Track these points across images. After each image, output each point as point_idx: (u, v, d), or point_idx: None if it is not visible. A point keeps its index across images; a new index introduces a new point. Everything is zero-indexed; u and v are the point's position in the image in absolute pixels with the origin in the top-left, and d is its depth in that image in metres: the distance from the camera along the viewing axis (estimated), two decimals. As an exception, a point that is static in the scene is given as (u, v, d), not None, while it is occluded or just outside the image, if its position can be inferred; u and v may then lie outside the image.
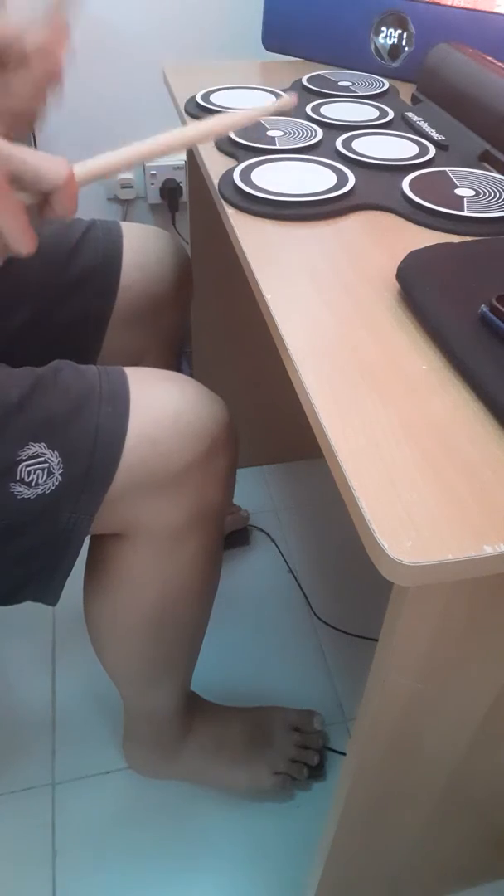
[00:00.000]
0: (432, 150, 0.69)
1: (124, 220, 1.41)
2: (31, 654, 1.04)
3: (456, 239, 0.55)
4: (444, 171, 0.65)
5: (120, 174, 1.37)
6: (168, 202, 1.42)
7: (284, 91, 0.84)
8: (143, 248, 0.78)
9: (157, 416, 0.55)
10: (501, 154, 0.66)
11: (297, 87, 0.87)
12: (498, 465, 0.36)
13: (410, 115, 0.77)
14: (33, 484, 0.52)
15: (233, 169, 0.64)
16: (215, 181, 0.64)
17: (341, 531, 1.23)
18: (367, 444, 0.37)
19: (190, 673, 0.80)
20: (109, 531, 0.60)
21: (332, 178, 0.63)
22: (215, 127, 0.50)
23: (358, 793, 0.56)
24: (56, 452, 0.52)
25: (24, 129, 0.46)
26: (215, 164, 0.67)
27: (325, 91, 0.85)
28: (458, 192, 0.62)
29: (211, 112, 0.78)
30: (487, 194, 0.61)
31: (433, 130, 0.73)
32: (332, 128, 0.75)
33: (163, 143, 0.47)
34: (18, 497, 0.52)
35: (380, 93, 0.86)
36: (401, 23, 0.87)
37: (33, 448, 0.52)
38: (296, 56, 0.99)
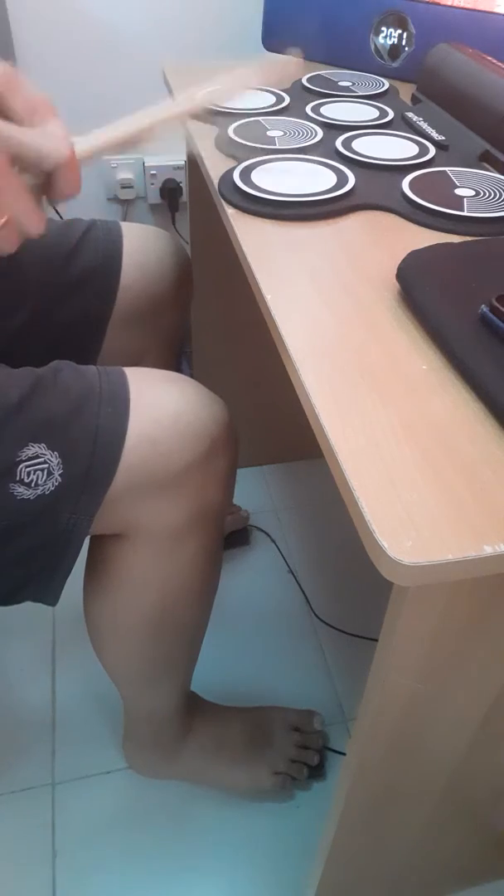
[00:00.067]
0: (432, 150, 0.69)
1: (124, 220, 1.41)
2: (31, 654, 1.04)
3: (456, 239, 0.55)
4: (444, 171, 0.65)
5: (120, 176, 1.37)
6: (168, 202, 1.42)
7: (284, 91, 0.84)
8: (143, 248, 0.78)
9: (156, 416, 0.55)
10: (501, 154, 0.66)
11: (297, 87, 0.87)
12: (498, 465, 0.36)
13: (410, 115, 0.77)
14: (33, 484, 0.52)
15: (233, 169, 0.64)
16: (215, 181, 0.64)
17: (341, 531, 1.23)
18: (367, 444, 0.37)
19: (190, 673, 0.80)
20: (109, 531, 0.60)
21: (332, 178, 0.63)
22: (213, 96, 0.49)
23: (358, 793, 0.56)
24: (56, 453, 0.52)
25: None
26: (215, 164, 0.67)
27: (325, 91, 0.85)
28: (458, 192, 0.62)
29: (210, 111, 0.78)
30: (487, 194, 0.61)
31: (433, 130, 0.73)
32: (332, 128, 0.75)
33: (162, 114, 0.47)
34: (18, 498, 0.52)
35: (380, 93, 0.86)
36: (401, 23, 0.87)
37: (33, 449, 0.52)
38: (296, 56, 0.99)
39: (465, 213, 0.58)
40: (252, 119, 0.76)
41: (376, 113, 0.79)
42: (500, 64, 0.72)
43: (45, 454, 0.52)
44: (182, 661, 0.76)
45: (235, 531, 1.21)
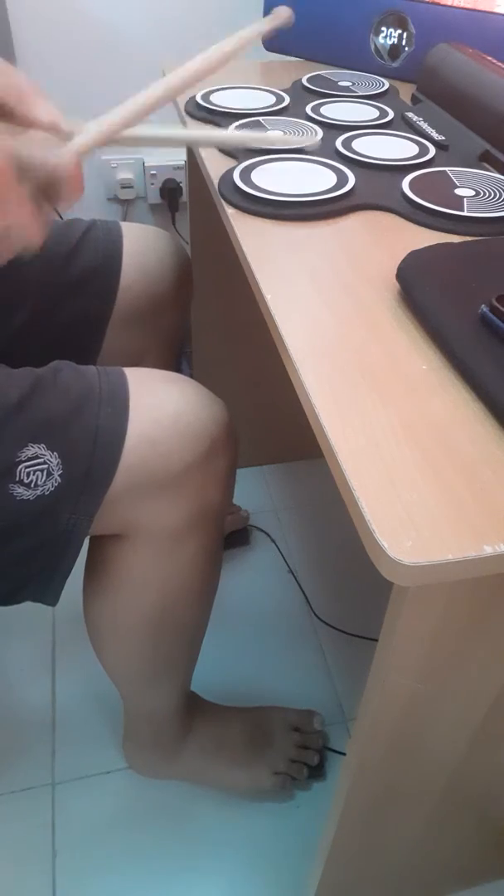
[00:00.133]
0: (432, 150, 0.69)
1: (124, 220, 1.41)
2: (31, 654, 1.04)
3: (456, 239, 0.55)
4: (444, 171, 0.65)
5: (120, 176, 1.37)
6: (168, 202, 1.42)
7: (284, 91, 0.84)
8: (143, 248, 0.78)
9: (156, 416, 0.55)
10: (501, 154, 0.66)
11: (297, 87, 0.87)
12: (498, 465, 0.36)
13: (410, 115, 0.77)
14: (33, 485, 0.52)
15: (233, 169, 0.64)
16: (215, 181, 0.64)
17: (341, 531, 1.23)
18: (367, 444, 0.37)
19: (190, 673, 0.80)
20: (109, 532, 0.60)
21: (332, 178, 0.63)
22: (214, 59, 0.50)
23: (358, 793, 0.56)
24: (55, 453, 0.52)
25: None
26: (215, 164, 0.67)
27: (325, 91, 0.85)
28: (458, 192, 0.62)
29: (211, 112, 0.78)
30: (487, 194, 0.61)
31: (433, 130, 0.73)
32: (332, 128, 0.75)
33: (167, 88, 0.47)
34: (18, 498, 0.52)
35: (380, 93, 0.86)
36: (401, 23, 0.87)
37: (33, 449, 0.52)
38: (296, 56, 0.99)
39: (465, 213, 0.58)
40: (252, 119, 0.76)
41: (376, 113, 0.79)
42: (500, 64, 0.72)
43: (44, 454, 0.52)
44: (182, 661, 0.76)
45: (235, 531, 1.21)
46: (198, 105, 0.79)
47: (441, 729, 0.52)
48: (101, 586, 0.66)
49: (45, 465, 0.52)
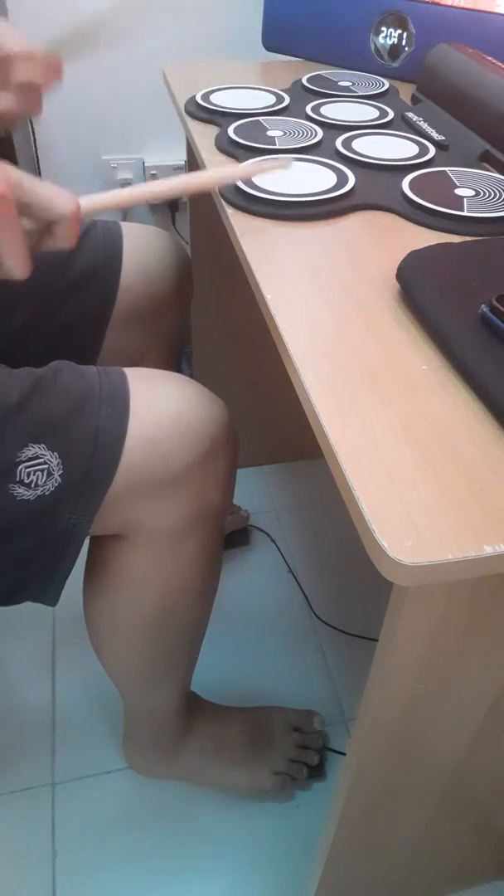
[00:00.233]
0: (432, 150, 0.69)
1: (124, 220, 1.41)
2: (31, 654, 1.04)
3: (456, 239, 0.55)
4: (444, 171, 0.65)
5: (120, 176, 1.37)
6: (168, 202, 1.42)
7: (284, 91, 0.84)
8: (143, 248, 0.78)
9: (157, 416, 0.55)
10: (501, 154, 0.66)
11: (297, 87, 0.87)
12: (498, 465, 0.36)
13: (410, 115, 0.77)
14: (33, 485, 0.52)
15: (233, 169, 0.64)
16: (215, 181, 0.64)
17: (341, 531, 1.23)
18: (367, 444, 0.37)
19: (190, 673, 0.80)
20: (109, 532, 0.60)
21: (332, 178, 0.63)
22: (220, 176, 0.54)
23: (358, 793, 0.56)
24: (56, 453, 0.52)
25: None
26: (215, 164, 0.67)
27: (325, 91, 0.85)
28: (458, 192, 0.62)
29: (211, 112, 0.78)
30: (487, 194, 0.61)
31: (433, 130, 0.73)
32: (332, 128, 0.75)
33: (167, 188, 0.49)
34: (18, 498, 0.52)
35: (380, 93, 0.86)
36: (401, 23, 0.87)
37: (33, 449, 0.52)
38: (296, 56, 0.99)
39: (465, 213, 0.58)
40: (252, 119, 0.76)
41: (376, 113, 0.79)
42: (500, 64, 0.72)
43: (44, 455, 0.52)
44: (182, 660, 0.76)
45: (235, 531, 1.21)
46: (198, 105, 0.79)
47: (441, 729, 0.52)
48: (102, 586, 0.66)
49: (46, 466, 0.52)
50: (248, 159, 0.66)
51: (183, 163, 1.37)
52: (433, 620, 0.41)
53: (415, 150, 0.70)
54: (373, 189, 0.62)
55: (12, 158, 1.22)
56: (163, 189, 0.49)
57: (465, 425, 0.39)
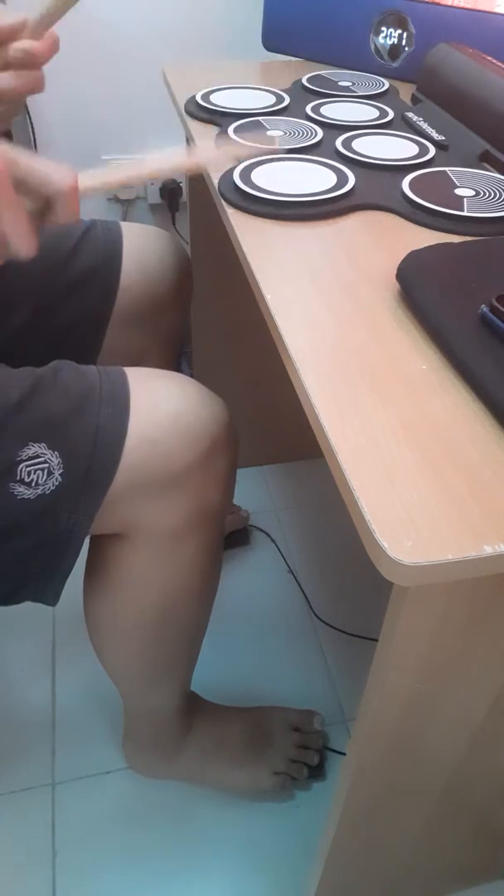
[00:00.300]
0: (432, 150, 0.69)
1: (124, 220, 1.41)
2: (31, 654, 1.04)
3: (456, 239, 0.55)
4: (444, 171, 0.65)
5: (122, 183, 1.37)
6: (168, 202, 1.42)
7: (284, 91, 0.84)
8: (143, 248, 0.78)
9: (157, 416, 0.55)
10: (501, 154, 0.66)
11: (297, 87, 0.87)
12: (498, 465, 0.36)
13: (410, 115, 0.77)
14: (33, 484, 0.52)
15: (233, 169, 0.64)
16: (215, 181, 0.64)
17: (341, 531, 1.23)
18: (367, 444, 0.37)
19: (190, 673, 0.80)
20: (109, 531, 0.60)
21: (332, 178, 0.63)
22: (224, 155, 0.51)
23: (358, 793, 0.56)
24: (56, 453, 0.52)
25: None
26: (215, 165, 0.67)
27: (325, 91, 0.85)
28: (458, 192, 0.62)
29: (211, 112, 0.78)
30: (487, 194, 0.61)
31: (433, 130, 0.73)
32: (332, 128, 0.75)
33: (166, 165, 0.48)
34: (18, 497, 0.52)
35: (380, 93, 0.86)
36: (401, 23, 0.87)
37: (33, 448, 0.52)
38: (296, 56, 0.99)
39: (465, 213, 0.58)
40: (252, 119, 0.76)
41: (376, 113, 0.79)
42: (500, 64, 0.72)
43: (45, 454, 0.52)
44: (182, 660, 0.76)
45: (235, 531, 1.21)
46: (198, 105, 0.79)
47: (441, 729, 0.52)
48: (102, 586, 0.66)
49: (46, 465, 0.52)
50: (248, 159, 0.66)
51: (183, 163, 1.37)
52: (433, 620, 0.41)
53: (415, 150, 0.70)
54: (373, 189, 0.62)
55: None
56: (161, 166, 0.48)
57: (465, 425, 0.39)
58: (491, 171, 0.66)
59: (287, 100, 0.81)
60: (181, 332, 0.89)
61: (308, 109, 0.79)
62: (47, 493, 0.52)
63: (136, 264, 0.76)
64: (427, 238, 0.56)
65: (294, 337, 0.45)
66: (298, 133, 0.73)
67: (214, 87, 0.84)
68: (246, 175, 0.63)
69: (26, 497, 0.52)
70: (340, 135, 0.72)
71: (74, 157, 1.38)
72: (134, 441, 0.54)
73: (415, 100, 0.82)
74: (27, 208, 0.43)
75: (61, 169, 0.43)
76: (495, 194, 0.61)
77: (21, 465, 0.51)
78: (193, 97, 0.81)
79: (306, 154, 0.68)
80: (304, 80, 0.88)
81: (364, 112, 0.79)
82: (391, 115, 0.78)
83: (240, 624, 1.08)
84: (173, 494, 0.57)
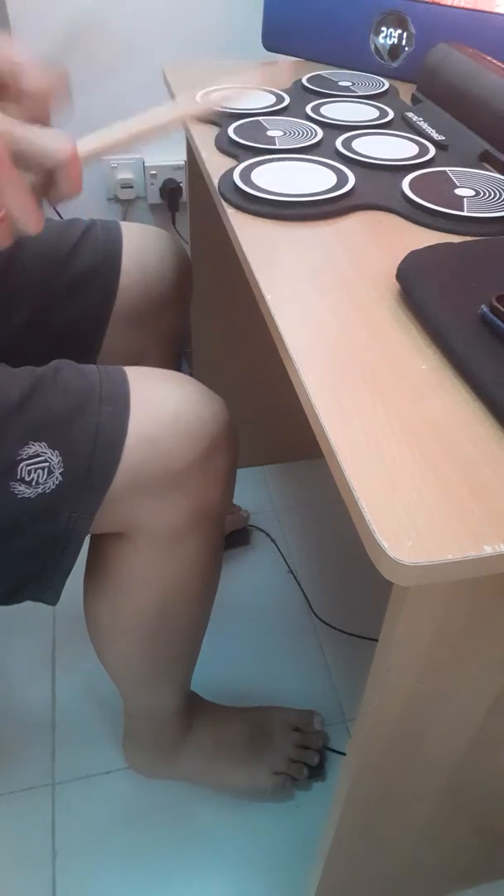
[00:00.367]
0: (432, 150, 0.69)
1: (124, 220, 1.41)
2: (31, 654, 1.04)
3: (456, 239, 0.55)
4: (444, 171, 0.65)
5: (120, 176, 1.37)
6: (168, 202, 1.42)
7: (284, 91, 0.84)
8: (142, 247, 0.78)
9: (157, 415, 0.55)
10: (501, 154, 0.66)
11: (297, 87, 0.87)
12: (498, 465, 0.36)
13: (410, 115, 0.77)
14: (34, 483, 0.52)
15: (233, 169, 0.64)
16: (215, 181, 0.64)
17: (341, 531, 1.23)
18: (367, 444, 0.37)
19: (190, 673, 0.80)
20: (110, 531, 0.60)
21: (332, 178, 0.63)
22: (215, 97, 0.50)
23: (358, 793, 0.56)
24: (56, 452, 0.52)
25: None
26: (215, 164, 0.67)
27: (325, 91, 0.85)
28: (458, 192, 0.62)
29: (212, 114, 0.78)
30: (487, 194, 0.61)
31: (433, 130, 0.73)
32: (332, 128, 0.75)
33: (164, 117, 0.47)
34: (19, 496, 0.52)
35: (380, 93, 0.86)
36: (401, 23, 0.87)
37: (34, 447, 0.52)
38: (296, 56, 0.99)
39: (465, 213, 0.58)
40: (252, 119, 0.76)
41: (376, 113, 0.79)
42: (500, 64, 0.72)
43: (45, 453, 0.52)
44: (182, 660, 0.76)
45: (235, 531, 1.21)
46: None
47: (441, 729, 0.52)
48: (102, 585, 0.66)
49: (47, 464, 0.52)
50: (248, 160, 0.66)
51: (183, 163, 1.37)
52: (433, 620, 0.41)
53: (415, 150, 0.70)
54: (373, 189, 0.62)
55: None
56: (158, 121, 0.47)
57: (465, 425, 0.39)
58: (491, 171, 0.66)
59: (287, 100, 0.81)
60: (181, 331, 0.89)
61: (308, 109, 0.79)
62: (48, 492, 0.52)
63: (136, 264, 0.76)
64: (427, 238, 0.56)
65: (294, 337, 0.45)
66: (298, 133, 0.73)
67: (214, 88, 0.84)
68: (246, 175, 0.63)
69: (27, 496, 0.52)
70: (340, 135, 0.72)
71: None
72: (134, 440, 0.54)
73: (415, 100, 0.82)
74: (29, 182, 0.42)
75: (59, 138, 0.42)
76: (495, 194, 0.61)
77: (21, 465, 0.52)
78: (193, 97, 0.81)
79: (306, 154, 0.68)
80: (304, 80, 0.88)
81: (364, 112, 0.79)
82: (391, 115, 0.78)
83: (240, 624, 1.08)
84: (173, 493, 0.57)
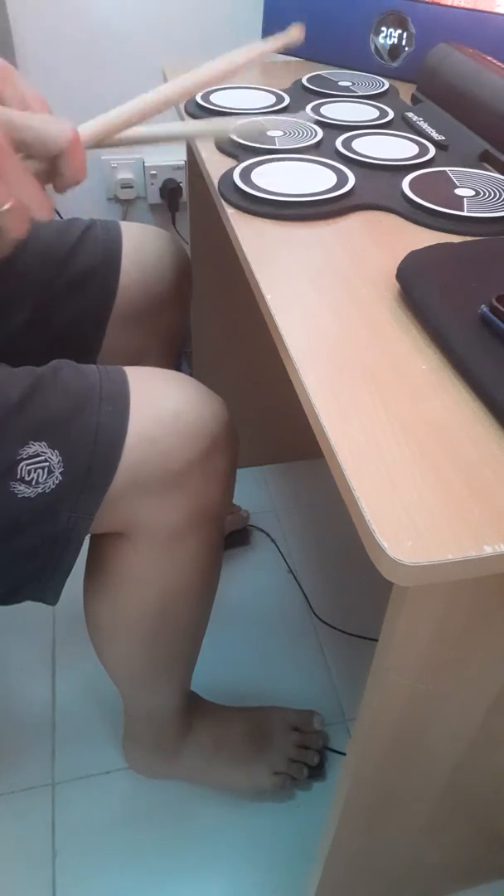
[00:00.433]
0: (432, 150, 0.69)
1: (124, 220, 1.41)
2: (31, 654, 1.04)
3: (456, 239, 0.55)
4: (444, 171, 0.65)
5: (120, 176, 1.37)
6: (168, 202, 1.42)
7: (284, 91, 0.84)
8: (142, 247, 0.78)
9: (157, 415, 0.55)
10: (501, 154, 0.66)
11: (297, 87, 0.87)
12: (498, 465, 0.36)
13: (410, 115, 0.77)
14: (34, 483, 0.52)
15: (233, 169, 0.64)
16: (215, 181, 0.64)
17: (341, 531, 1.23)
18: (367, 444, 0.37)
19: (190, 673, 0.80)
20: (109, 530, 0.60)
21: (332, 178, 0.63)
22: (218, 70, 0.49)
23: (358, 793, 0.56)
24: (56, 451, 0.52)
25: None
26: (215, 164, 0.67)
27: (325, 91, 0.85)
28: (458, 192, 0.62)
29: (211, 112, 0.78)
30: (487, 194, 0.61)
31: (433, 130, 0.73)
32: (332, 128, 0.75)
33: (170, 93, 0.47)
34: (19, 496, 0.52)
35: (380, 93, 0.86)
36: (401, 23, 0.87)
37: (34, 447, 0.52)
38: (296, 56, 0.99)
39: (465, 213, 0.58)
40: (252, 119, 0.76)
41: (376, 113, 0.79)
42: (500, 64, 0.72)
43: (45, 452, 0.52)
44: (182, 660, 0.76)
45: (235, 531, 1.21)
46: (198, 105, 0.79)
47: (441, 729, 0.52)
48: (102, 585, 0.66)
49: (47, 463, 0.52)
50: (248, 159, 0.66)
51: (183, 163, 1.37)
52: (433, 620, 0.41)
53: (415, 150, 0.70)
54: (373, 189, 0.62)
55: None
56: (154, 102, 0.46)
57: (465, 425, 0.39)
58: (491, 171, 0.66)
59: (287, 100, 0.81)
60: (181, 331, 0.89)
61: (308, 109, 0.79)
62: (47, 491, 0.52)
63: (136, 263, 0.76)
64: (427, 238, 0.56)
65: (294, 337, 0.45)
66: (298, 133, 0.73)
67: (215, 88, 0.84)
68: (246, 175, 0.63)
69: (27, 496, 0.52)
70: (340, 135, 0.72)
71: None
72: (134, 440, 0.54)
73: (415, 100, 0.82)
74: (33, 170, 0.41)
75: (59, 123, 0.41)
76: (495, 194, 0.61)
77: (21, 464, 0.51)
78: (193, 97, 0.81)
79: (306, 154, 0.68)
80: (304, 80, 0.88)
81: (364, 112, 0.79)
82: (391, 115, 0.78)
83: (240, 624, 1.08)
84: (173, 493, 0.57)
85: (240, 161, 0.66)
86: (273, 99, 0.82)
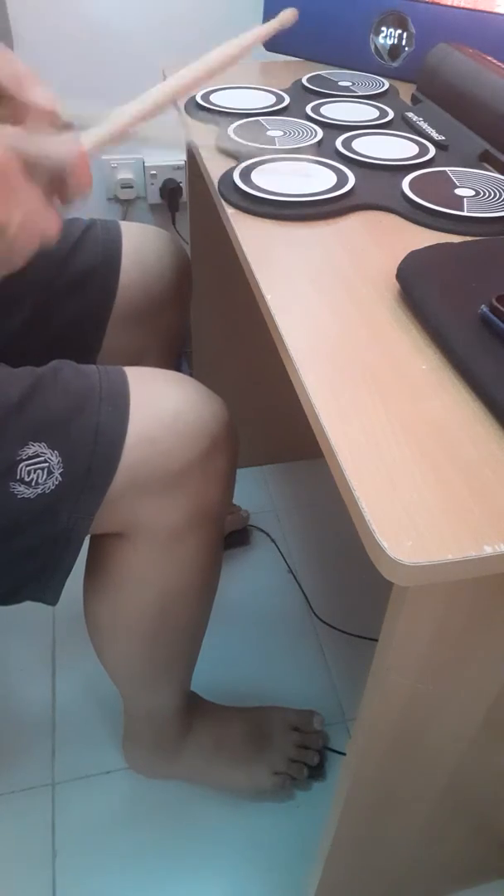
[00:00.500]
0: (432, 150, 0.69)
1: (124, 220, 1.41)
2: (31, 654, 1.04)
3: (456, 239, 0.55)
4: (444, 171, 0.65)
5: (120, 176, 1.37)
6: (168, 202, 1.42)
7: (284, 91, 0.84)
8: (142, 247, 0.78)
9: (157, 415, 0.55)
10: (501, 154, 0.66)
11: (297, 87, 0.87)
12: (498, 465, 0.36)
13: (410, 115, 0.77)
14: (33, 483, 0.52)
15: (233, 169, 0.64)
16: (215, 181, 0.64)
17: (341, 531, 1.23)
18: (367, 444, 0.37)
19: (190, 673, 0.80)
20: (109, 531, 0.60)
21: (332, 178, 0.63)
22: (214, 63, 0.49)
23: (358, 793, 0.56)
24: (56, 452, 0.52)
25: None
26: (215, 164, 0.67)
27: (325, 91, 0.85)
28: (458, 192, 0.62)
29: (210, 112, 0.78)
30: (487, 194, 0.61)
31: (433, 130, 0.73)
32: (332, 128, 0.75)
33: (160, 94, 0.47)
34: (19, 496, 0.52)
35: (380, 93, 0.86)
36: (401, 23, 0.87)
37: (33, 447, 0.52)
38: (296, 56, 0.99)
39: (465, 213, 0.58)
40: (252, 119, 0.76)
41: (376, 113, 0.79)
42: (500, 64, 0.72)
43: (45, 453, 0.52)
44: (182, 660, 0.76)
45: (235, 531, 1.21)
46: (198, 105, 0.79)
47: (441, 729, 0.52)
48: (102, 585, 0.66)
49: (46, 464, 0.52)
50: (247, 159, 0.66)
51: (183, 163, 1.37)
52: (433, 620, 0.41)
53: (415, 150, 0.70)
54: (373, 189, 0.62)
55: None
56: (153, 103, 0.47)
57: (465, 425, 0.39)
58: (491, 171, 0.66)
59: (287, 100, 0.81)
60: (181, 331, 0.89)
61: (308, 109, 0.79)
62: (47, 492, 0.52)
63: (135, 263, 0.76)
64: (427, 238, 0.56)
65: (294, 337, 0.45)
66: (298, 133, 0.73)
67: (214, 87, 0.84)
68: (246, 175, 0.63)
69: (26, 496, 0.52)
70: (340, 135, 0.72)
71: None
72: (134, 440, 0.54)
73: (415, 100, 0.82)
74: (39, 184, 0.42)
75: (66, 141, 0.42)
76: (495, 194, 0.61)
77: (21, 465, 0.51)
78: (193, 97, 0.81)
79: (306, 154, 0.68)
80: (304, 80, 0.88)
81: (364, 112, 0.79)
82: (391, 115, 0.78)
83: (240, 624, 1.08)
84: (173, 493, 0.57)
85: (240, 161, 0.66)
86: (273, 99, 0.82)
